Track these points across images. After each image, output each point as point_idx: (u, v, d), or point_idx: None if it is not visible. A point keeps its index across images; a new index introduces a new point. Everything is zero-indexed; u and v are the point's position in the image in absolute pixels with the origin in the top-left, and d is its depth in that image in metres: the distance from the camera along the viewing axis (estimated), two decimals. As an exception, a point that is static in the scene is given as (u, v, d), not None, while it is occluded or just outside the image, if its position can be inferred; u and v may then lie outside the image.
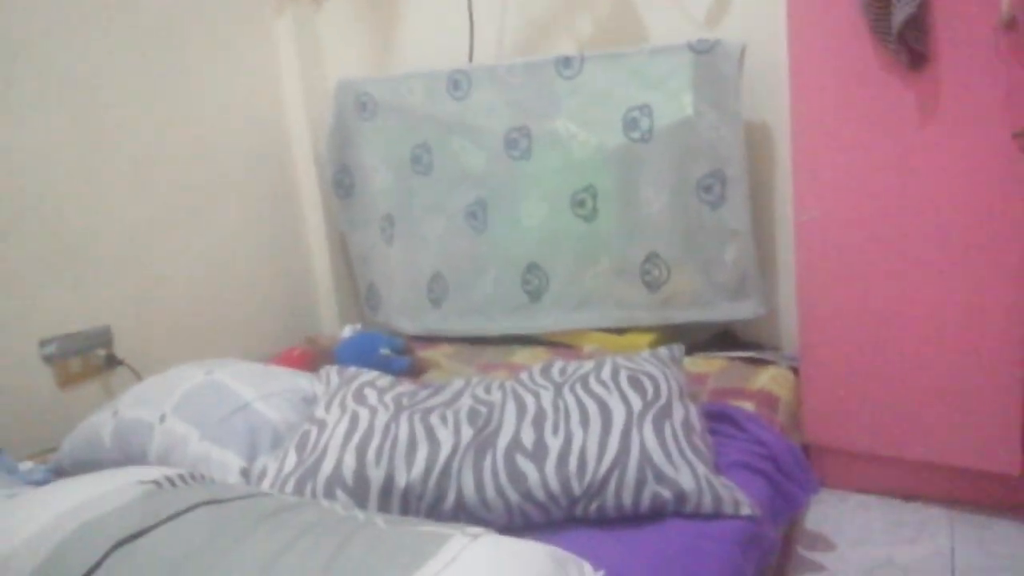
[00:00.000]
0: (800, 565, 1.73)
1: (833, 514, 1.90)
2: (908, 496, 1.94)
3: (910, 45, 1.66)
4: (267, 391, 1.64)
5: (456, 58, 2.52)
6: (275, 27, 2.64)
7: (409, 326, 2.67)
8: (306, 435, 1.46)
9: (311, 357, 2.24)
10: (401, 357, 2.34)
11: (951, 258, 1.73)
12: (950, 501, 1.89)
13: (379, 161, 2.62)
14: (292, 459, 1.40)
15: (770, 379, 2.00)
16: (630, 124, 2.21)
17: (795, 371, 2.06)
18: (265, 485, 1.37)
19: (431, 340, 2.61)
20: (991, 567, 1.66)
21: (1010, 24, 1.57)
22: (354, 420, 1.46)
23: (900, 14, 1.63)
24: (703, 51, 2.09)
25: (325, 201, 2.75)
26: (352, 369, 1.74)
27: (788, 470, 1.58)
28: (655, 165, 2.20)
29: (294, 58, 2.65)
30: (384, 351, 2.33)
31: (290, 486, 1.36)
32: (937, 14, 1.65)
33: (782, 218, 2.20)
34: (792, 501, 1.56)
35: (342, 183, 2.70)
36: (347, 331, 2.47)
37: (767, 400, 1.86)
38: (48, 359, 1.96)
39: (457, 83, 2.44)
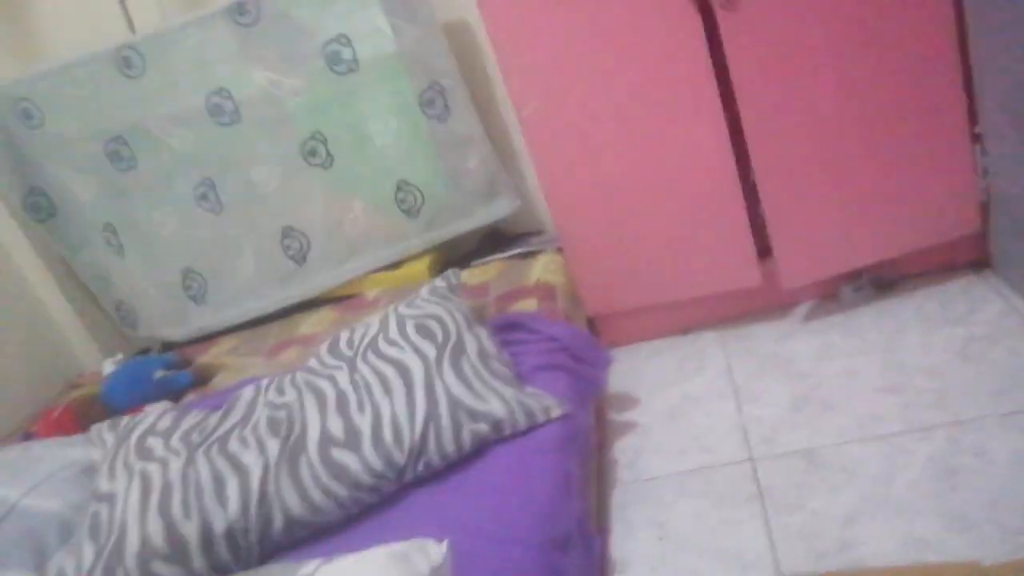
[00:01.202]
0: (614, 430, 1.87)
1: (630, 370, 2.08)
2: (685, 330, 2.17)
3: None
4: (33, 481, 1.45)
5: (115, 33, 2.19)
6: None
7: (176, 332, 2.45)
8: (96, 517, 1.31)
9: (76, 414, 1.98)
10: (181, 372, 2.15)
11: (657, 114, 1.85)
12: (717, 323, 2.14)
13: (72, 170, 2.27)
14: (89, 551, 1.26)
15: (543, 268, 2.07)
16: (332, 58, 2.08)
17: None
18: (69, 592, 1.22)
19: (207, 340, 2.42)
20: (761, 365, 1.91)
21: None
22: (146, 480, 1.33)
23: None
24: None
25: (28, 230, 2.37)
26: (124, 420, 1.58)
27: (582, 354, 1.69)
28: (372, 94, 2.12)
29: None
30: (159, 373, 2.12)
31: (99, 581, 1.22)
32: None
33: (510, 112, 2.22)
34: (594, 381, 1.68)
35: (38, 206, 2.33)
36: (108, 366, 2.22)
37: (546, 291, 1.94)
38: None
39: (128, 60, 2.13)
